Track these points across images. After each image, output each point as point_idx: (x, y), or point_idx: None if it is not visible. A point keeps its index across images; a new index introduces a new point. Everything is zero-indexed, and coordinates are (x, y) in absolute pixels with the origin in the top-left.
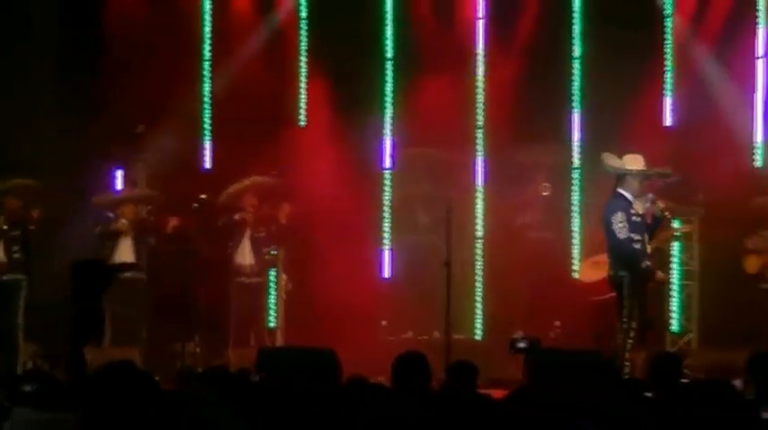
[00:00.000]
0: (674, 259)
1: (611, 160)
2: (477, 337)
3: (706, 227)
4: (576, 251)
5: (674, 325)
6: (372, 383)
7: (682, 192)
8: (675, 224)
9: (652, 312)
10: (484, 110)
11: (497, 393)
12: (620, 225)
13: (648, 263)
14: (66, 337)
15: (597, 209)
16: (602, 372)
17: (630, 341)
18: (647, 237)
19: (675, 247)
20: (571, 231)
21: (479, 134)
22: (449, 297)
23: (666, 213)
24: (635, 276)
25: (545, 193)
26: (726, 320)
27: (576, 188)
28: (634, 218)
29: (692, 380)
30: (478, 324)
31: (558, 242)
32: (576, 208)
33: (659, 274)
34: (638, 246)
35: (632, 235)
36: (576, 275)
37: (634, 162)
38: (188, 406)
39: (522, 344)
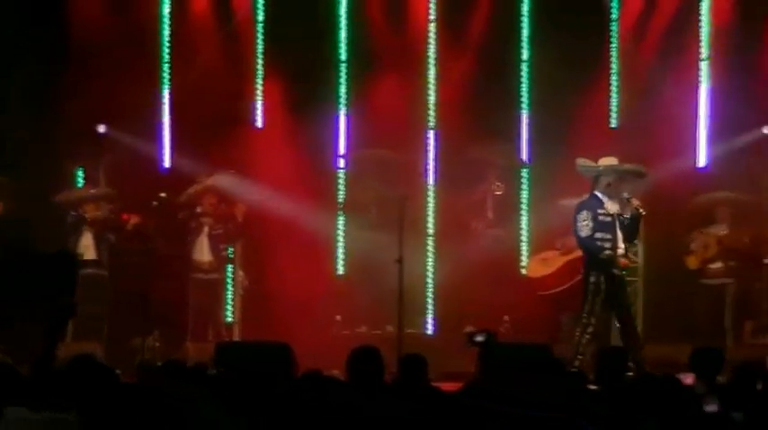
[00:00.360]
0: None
1: (583, 161)
2: (429, 332)
3: (650, 225)
4: (524, 248)
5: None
6: (327, 377)
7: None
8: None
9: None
10: (435, 110)
11: (448, 386)
12: (583, 223)
13: (610, 252)
14: (31, 332)
15: (545, 206)
16: (552, 366)
17: (587, 336)
18: (620, 236)
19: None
20: (520, 228)
21: (431, 134)
22: (401, 292)
23: (641, 210)
24: (602, 275)
25: (498, 192)
26: (669, 316)
27: (524, 186)
28: (601, 217)
29: (637, 373)
30: (430, 319)
31: (507, 239)
32: (524, 206)
33: (622, 260)
34: (604, 244)
35: (598, 234)
36: (524, 271)
37: (606, 162)
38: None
39: (479, 338)
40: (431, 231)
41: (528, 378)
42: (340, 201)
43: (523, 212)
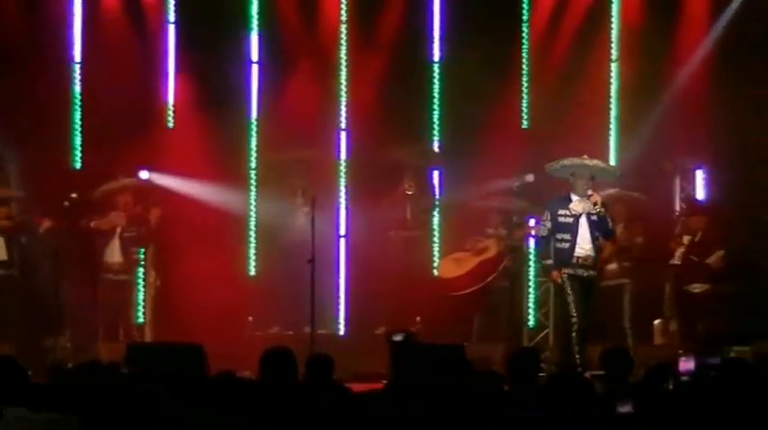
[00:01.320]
0: (531, 256)
1: (553, 163)
2: (341, 332)
3: None
4: (436, 248)
5: (531, 320)
6: (239, 378)
7: (537, 193)
8: (531, 222)
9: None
10: (347, 111)
11: (359, 387)
12: (542, 224)
13: (551, 261)
14: None
15: (457, 207)
16: (464, 367)
17: (574, 335)
18: (583, 235)
19: (532, 245)
20: (432, 229)
21: (342, 135)
22: (313, 293)
23: (598, 208)
24: (564, 274)
25: (409, 192)
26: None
27: (436, 188)
28: (562, 218)
29: (549, 374)
30: (341, 319)
31: (419, 239)
32: (436, 207)
33: (553, 274)
34: (562, 245)
35: (558, 234)
36: (436, 272)
37: (578, 161)
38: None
39: (398, 338)
40: (343, 232)
41: (442, 379)
42: (252, 201)
43: (435, 214)
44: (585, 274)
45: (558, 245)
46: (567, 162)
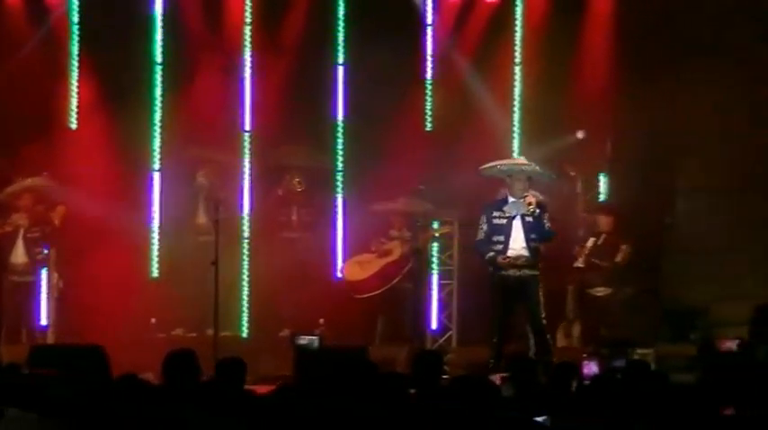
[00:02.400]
0: (434, 259)
1: (485, 165)
2: (244, 335)
3: (464, 227)
4: (339, 251)
5: (434, 323)
6: (141, 380)
7: (442, 195)
8: (435, 225)
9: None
10: (251, 113)
11: (263, 389)
12: (478, 227)
13: (492, 253)
14: None
15: (360, 210)
16: (367, 369)
17: (496, 339)
18: (516, 236)
19: (435, 248)
20: (335, 232)
21: (246, 137)
22: (217, 295)
23: (532, 208)
24: (496, 276)
25: (298, 189)
26: (483, 318)
27: (338, 190)
28: (496, 220)
29: (453, 376)
30: (244, 321)
31: (323, 242)
32: (339, 209)
33: (499, 259)
34: (496, 247)
35: (494, 236)
36: (339, 274)
37: (513, 163)
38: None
39: (303, 341)
40: (246, 234)
41: (344, 381)
42: (156, 202)
43: (338, 216)
44: (517, 274)
45: (494, 247)
46: (502, 165)
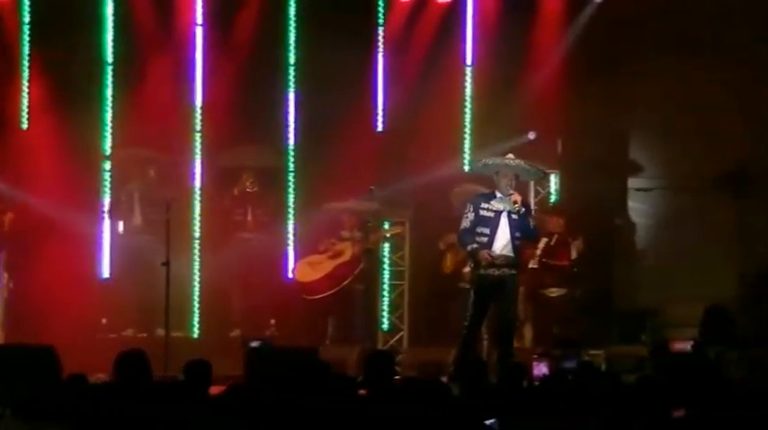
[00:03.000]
0: (386, 260)
1: (482, 160)
2: (195, 335)
3: (416, 228)
4: (290, 251)
5: (386, 323)
6: (92, 381)
7: (393, 195)
8: (385, 226)
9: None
10: (202, 113)
11: (214, 390)
12: (464, 216)
13: (474, 246)
14: None
15: (311, 210)
16: (319, 370)
17: (463, 338)
18: (502, 232)
19: (386, 248)
20: (286, 232)
21: (197, 137)
22: (168, 296)
23: (517, 206)
24: (476, 273)
25: (250, 190)
26: (434, 319)
27: (290, 190)
28: (483, 211)
29: (404, 377)
30: (195, 322)
31: (274, 243)
32: (290, 209)
33: (481, 253)
34: (481, 239)
35: (478, 228)
36: (291, 275)
37: (503, 160)
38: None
39: (255, 344)
40: (197, 234)
41: (296, 382)
42: (106, 202)
43: (290, 216)
44: (497, 273)
45: (478, 238)
46: (489, 161)
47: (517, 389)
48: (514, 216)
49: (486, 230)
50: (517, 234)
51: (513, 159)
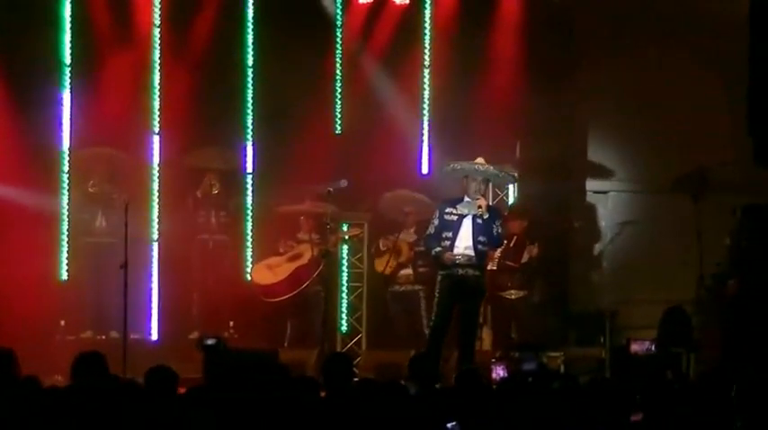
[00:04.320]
0: (344, 262)
1: (452, 164)
2: (153, 337)
3: (374, 230)
4: (248, 253)
5: (344, 326)
6: (49, 384)
7: (352, 197)
8: (344, 227)
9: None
10: (160, 114)
11: None
12: (430, 222)
13: (438, 249)
14: None
15: (268, 212)
16: (278, 372)
17: (431, 339)
18: (464, 235)
19: (345, 250)
20: (244, 234)
21: (156, 139)
22: (126, 297)
23: (481, 211)
24: (440, 275)
25: (214, 191)
26: (391, 321)
27: (248, 192)
28: (447, 216)
29: (363, 379)
30: (154, 324)
31: (234, 244)
32: (248, 211)
33: (446, 255)
34: (444, 243)
35: (443, 233)
36: (249, 277)
37: (471, 165)
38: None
39: (209, 342)
40: (155, 236)
41: (255, 384)
42: (64, 203)
43: (248, 218)
44: (459, 273)
45: (443, 243)
46: (458, 165)
47: (475, 391)
48: (479, 220)
49: (449, 234)
50: (481, 238)
51: (482, 164)
